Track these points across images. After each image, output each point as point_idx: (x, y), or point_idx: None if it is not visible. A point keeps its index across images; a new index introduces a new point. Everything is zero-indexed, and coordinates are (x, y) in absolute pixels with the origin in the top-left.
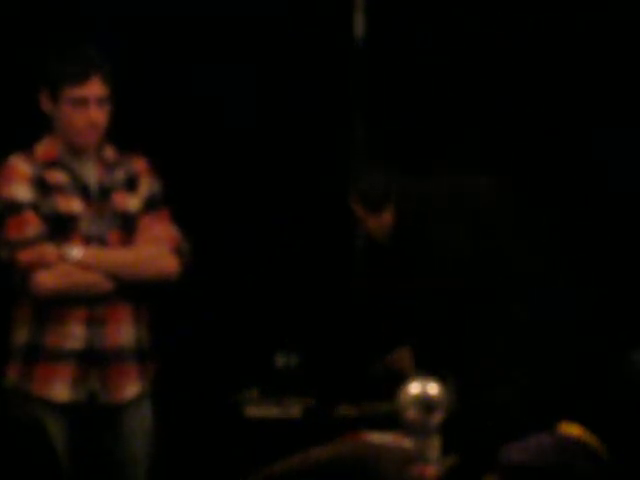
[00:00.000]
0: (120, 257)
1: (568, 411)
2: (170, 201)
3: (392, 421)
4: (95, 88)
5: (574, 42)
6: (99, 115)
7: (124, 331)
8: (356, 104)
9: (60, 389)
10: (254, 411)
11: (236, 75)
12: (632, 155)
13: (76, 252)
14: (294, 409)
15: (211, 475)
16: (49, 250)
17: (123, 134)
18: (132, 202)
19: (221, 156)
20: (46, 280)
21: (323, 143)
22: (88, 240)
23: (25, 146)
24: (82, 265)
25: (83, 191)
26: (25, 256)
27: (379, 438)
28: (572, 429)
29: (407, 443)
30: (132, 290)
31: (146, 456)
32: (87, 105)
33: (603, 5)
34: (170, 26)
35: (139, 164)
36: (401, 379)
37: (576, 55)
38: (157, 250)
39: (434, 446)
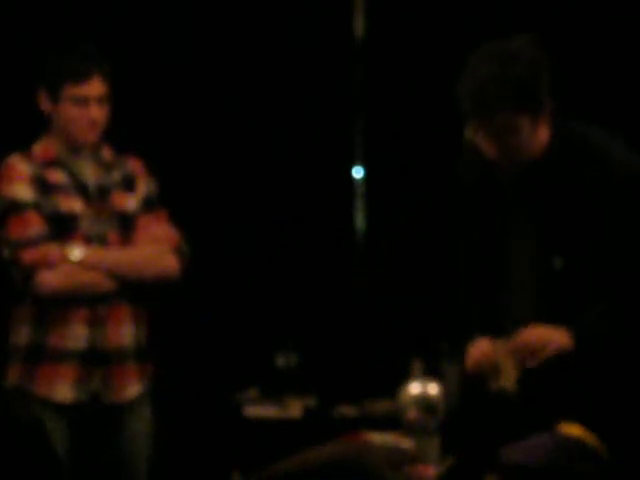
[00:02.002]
0: (122, 257)
1: (568, 411)
2: (171, 201)
3: (392, 421)
4: (96, 87)
5: (577, 45)
6: (99, 113)
7: (125, 331)
8: (356, 104)
9: (63, 389)
10: (254, 411)
11: (236, 75)
12: None
13: (78, 252)
14: (294, 409)
15: (211, 475)
16: (52, 250)
17: (121, 134)
18: (130, 202)
19: (221, 156)
20: (49, 280)
21: (323, 143)
22: (89, 240)
23: (21, 146)
24: (84, 265)
25: (82, 191)
26: (28, 256)
27: (379, 438)
28: (572, 429)
29: (407, 443)
30: (133, 290)
31: (146, 456)
32: (88, 104)
33: None
34: (170, 26)
35: (135, 165)
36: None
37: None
38: (157, 250)
39: (434, 446)
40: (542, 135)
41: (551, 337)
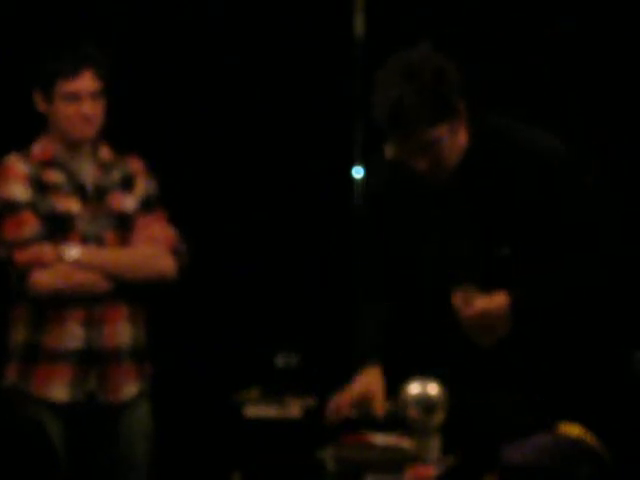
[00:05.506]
0: (117, 257)
1: (568, 411)
2: (170, 201)
3: (392, 421)
4: (87, 82)
5: (581, 44)
6: (92, 109)
7: (122, 331)
8: (356, 104)
9: (59, 389)
10: (254, 411)
11: (236, 75)
12: None
13: (74, 252)
14: (294, 409)
15: (211, 475)
16: (47, 250)
17: (122, 134)
18: (128, 202)
19: (220, 156)
20: (44, 280)
21: (323, 143)
22: (85, 240)
23: (21, 146)
24: (80, 265)
25: (79, 191)
26: (23, 256)
27: (379, 438)
28: (572, 429)
29: (407, 443)
30: (129, 290)
31: (144, 457)
32: (80, 99)
33: None
34: (170, 24)
35: (135, 164)
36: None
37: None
38: (154, 250)
39: (434, 446)
40: (462, 136)
41: (492, 313)
